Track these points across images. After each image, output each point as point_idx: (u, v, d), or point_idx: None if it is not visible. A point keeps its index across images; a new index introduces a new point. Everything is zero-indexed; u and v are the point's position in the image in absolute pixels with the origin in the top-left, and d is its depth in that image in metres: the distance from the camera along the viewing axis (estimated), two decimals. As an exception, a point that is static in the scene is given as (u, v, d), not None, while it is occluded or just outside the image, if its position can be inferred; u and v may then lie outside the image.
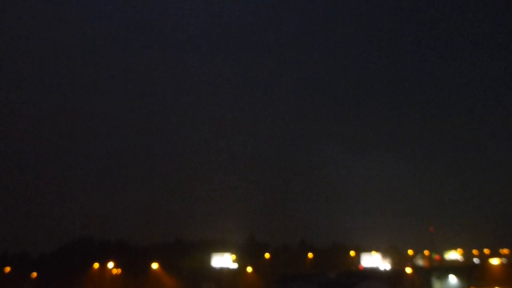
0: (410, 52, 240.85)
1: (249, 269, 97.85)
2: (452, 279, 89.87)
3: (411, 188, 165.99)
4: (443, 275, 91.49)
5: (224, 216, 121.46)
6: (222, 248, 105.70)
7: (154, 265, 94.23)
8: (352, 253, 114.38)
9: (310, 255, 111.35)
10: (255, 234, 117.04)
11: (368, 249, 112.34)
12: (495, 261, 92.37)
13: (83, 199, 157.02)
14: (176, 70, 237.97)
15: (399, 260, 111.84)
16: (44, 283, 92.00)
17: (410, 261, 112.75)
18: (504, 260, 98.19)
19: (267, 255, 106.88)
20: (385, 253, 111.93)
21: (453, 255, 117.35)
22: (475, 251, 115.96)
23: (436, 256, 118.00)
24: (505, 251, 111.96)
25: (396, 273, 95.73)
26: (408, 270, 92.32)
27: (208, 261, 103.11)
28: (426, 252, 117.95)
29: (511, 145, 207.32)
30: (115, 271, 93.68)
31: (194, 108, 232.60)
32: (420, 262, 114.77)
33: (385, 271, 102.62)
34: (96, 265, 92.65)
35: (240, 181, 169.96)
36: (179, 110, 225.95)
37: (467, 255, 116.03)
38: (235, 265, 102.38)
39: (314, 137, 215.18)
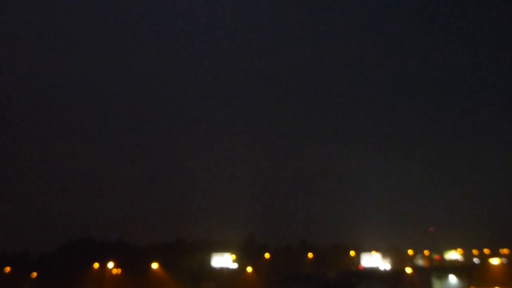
0: (413, 52, 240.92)
1: (249, 269, 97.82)
2: (452, 279, 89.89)
3: (411, 188, 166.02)
4: (443, 275, 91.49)
5: (224, 216, 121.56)
6: (222, 248, 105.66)
7: (154, 265, 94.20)
8: (352, 253, 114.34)
9: (310, 255, 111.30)
10: (255, 234, 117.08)
11: (368, 249, 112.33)
12: (495, 261, 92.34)
13: (83, 199, 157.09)
14: (176, 70, 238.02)
15: (399, 260, 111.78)
16: (44, 283, 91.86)
17: (410, 261, 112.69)
18: (504, 260, 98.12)
19: (267, 255, 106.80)
20: (385, 253, 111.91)
21: (453, 255, 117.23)
22: (475, 251, 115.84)
23: (436, 256, 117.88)
24: (505, 251, 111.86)
25: (396, 273, 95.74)
26: (408, 270, 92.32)
27: (208, 261, 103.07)
28: (426, 252, 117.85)
29: (511, 145, 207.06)
30: (115, 271, 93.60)
31: (194, 108, 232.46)
32: (420, 262, 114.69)
33: (385, 271, 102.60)
34: (96, 265, 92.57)
35: (240, 181, 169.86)
36: (179, 110, 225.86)
37: (467, 255, 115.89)
38: (235, 265, 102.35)
39: (314, 137, 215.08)
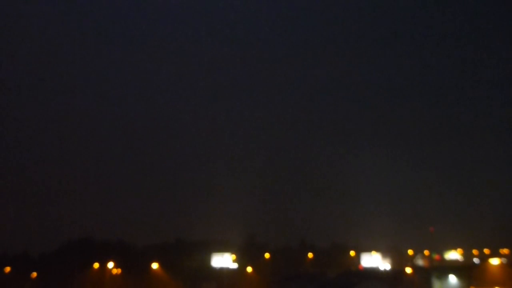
0: (412, 51, 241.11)
1: (249, 269, 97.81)
2: (452, 279, 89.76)
3: (411, 188, 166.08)
4: (443, 275, 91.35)
5: (224, 216, 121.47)
6: (222, 248, 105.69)
7: (154, 265, 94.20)
8: (352, 253, 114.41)
9: (310, 255, 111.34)
10: (255, 234, 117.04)
11: (368, 249, 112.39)
12: (495, 261, 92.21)
13: (83, 199, 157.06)
14: (178, 70, 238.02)
15: (399, 260, 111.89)
16: (44, 283, 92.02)
17: (410, 261, 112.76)
18: (504, 260, 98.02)
19: (267, 255, 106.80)
20: (385, 253, 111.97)
21: (453, 255, 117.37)
22: (475, 251, 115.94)
23: (436, 256, 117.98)
24: (505, 251, 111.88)
25: (396, 273, 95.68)
26: (408, 270, 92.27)
27: (208, 261, 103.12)
28: (426, 252, 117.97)
29: (511, 145, 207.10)
30: (115, 271, 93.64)
31: (194, 108, 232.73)
32: (420, 262, 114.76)
33: (385, 271, 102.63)
34: (96, 265, 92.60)
35: (240, 181, 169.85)
36: (179, 110, 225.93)
37: (467, 255, 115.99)
38: (235, 265, 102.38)
39: (314, 137, 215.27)
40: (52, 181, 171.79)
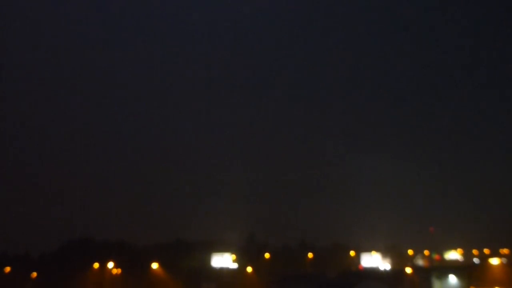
0: (412, 51, 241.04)
1: (249, 269, 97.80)
2: (452, 279, 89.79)
3: (411, 188, 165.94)
4: (443, 275, 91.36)
5: (224, 216, 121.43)
6: (222, 248, 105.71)
7: (154, 265, 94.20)
8: (352, 253, 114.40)
9: (310, 255, 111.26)
10: (255, 234, 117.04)
11: (368, 249, 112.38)
12: (495, 261, 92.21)
13: (83, 199, 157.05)
14: (178, 70, 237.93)
15: (399, 260, 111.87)
16: (44, 283, 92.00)
17: (410, 261, 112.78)
18: (504, 260, 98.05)
19: (267, 255, 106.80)
20: (385, 253, 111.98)
21: (453, 255, 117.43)
22: (475, 251, 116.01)
23: (436, 256, 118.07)
24: (505, 251, 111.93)
25: (396, 273, 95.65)
26: (408, 270, 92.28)
27: (208, 261, 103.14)
28: (426, 252, 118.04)
29: (511, 144, 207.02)
30: (115, 271, 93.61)
31: (194, 108, 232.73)
32: (420, 262, 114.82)
33: (385, 271, 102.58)
34: (96, 265, 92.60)
35: (240, 181, 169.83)
36: (179, 110, 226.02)
37: (467, 255, 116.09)
38: (235, 265, 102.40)
39: (314, 136, 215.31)
40: (52, 181, 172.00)
